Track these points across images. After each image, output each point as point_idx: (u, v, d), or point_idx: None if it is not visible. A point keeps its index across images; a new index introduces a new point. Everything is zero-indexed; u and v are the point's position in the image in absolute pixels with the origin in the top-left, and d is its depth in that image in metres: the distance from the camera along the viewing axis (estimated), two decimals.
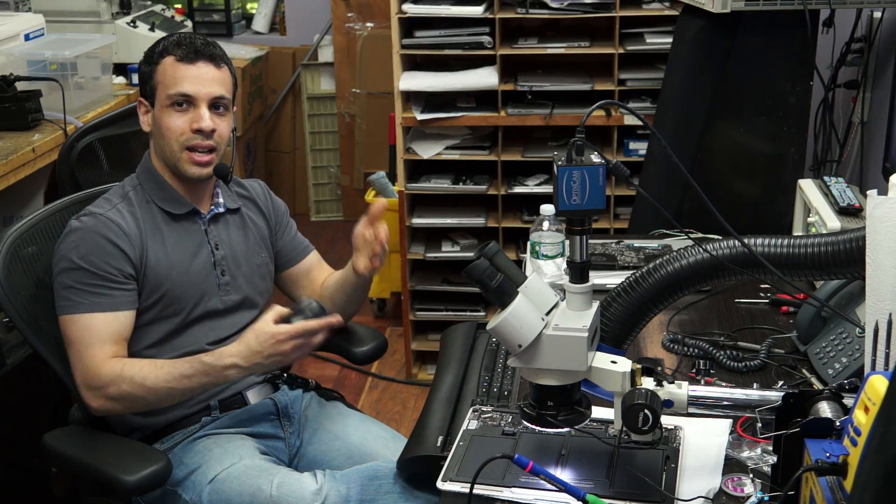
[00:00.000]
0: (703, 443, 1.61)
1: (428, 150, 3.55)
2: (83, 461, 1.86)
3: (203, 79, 1.97)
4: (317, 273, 2.22)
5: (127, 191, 2.02)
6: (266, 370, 1.93)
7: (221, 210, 2.07)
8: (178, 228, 2.01)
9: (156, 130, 2.00)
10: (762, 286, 2.16)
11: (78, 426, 2.02)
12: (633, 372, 1.48)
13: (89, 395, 1.88)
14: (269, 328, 1.82)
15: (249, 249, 2.10)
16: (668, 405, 1.50)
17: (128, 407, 1.90)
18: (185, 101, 1.96)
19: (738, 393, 1.60)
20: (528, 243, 2.26)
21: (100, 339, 1.89)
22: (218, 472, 1.88)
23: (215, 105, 1.98)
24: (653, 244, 2.37)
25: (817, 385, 1.75)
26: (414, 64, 3.63)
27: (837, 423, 1.31)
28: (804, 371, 1.82)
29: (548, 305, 1.47)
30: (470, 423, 1.71)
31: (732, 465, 1.55)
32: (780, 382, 1.80)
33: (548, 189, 3.50)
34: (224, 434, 1.97)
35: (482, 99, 3.53)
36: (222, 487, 1.87)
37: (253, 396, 2.04)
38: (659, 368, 1.53)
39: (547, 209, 2.23)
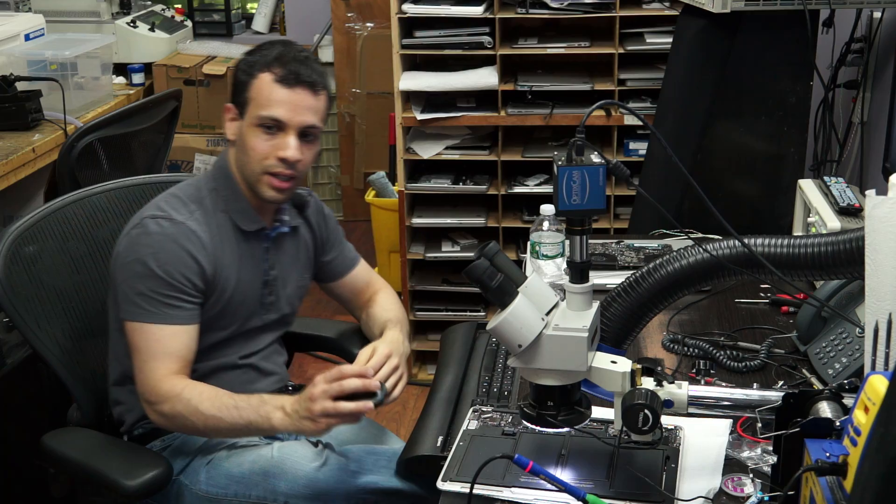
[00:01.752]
0: (703, 443, 1.61)
1: (428, 150, 3.54)
2: (83, 463, 1.85)
3: (298, 106, 1.86)
4: (361, 286, 2.18)
5: (203, 196, 1.93)
6: (304, 425, 1.73)
7: (285, 230, 2.01)
8: (244, 245, 1.95)
9: (240, 143, 1.91)
10: (762, 286, 2.16)
11: (77, 427, 2.01)
12: (633, 372, 1.48)
13: (147, 408, 1.85)
14: (316, 387, 1.71)
15: (297, 271, 2.07)
16: (668, 405, 1.50)
17: (178, 426, 1.86)
18: (275, 126, 1.86)
19: (738, 393, 1.60)
20: (528, 243, 2.26)
21: (166, 352, 1.83)
22: (216, 454, 1.90)
23: (304, 133, 1.88)
24: (653, 244, 2.37)
25: (817, 385, 1.75)
26: (414, 64, 3.63)
27: (837, 423, 1.31)
28: (804, 371, 1.82)
29: (548, 305, 1.47)
30: (470, 423, 1.71)
31: (732, 465, 1.55)
32: (780, 382, 1.80)
33: (548, 189, 3.49)
34: None
35: (482, 99, 3.53)
36: (221, 463, 1.88)
37: None
38: (659, 368, 1.53)
39: (547, 209, 2.23)
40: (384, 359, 1.89)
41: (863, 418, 1.15)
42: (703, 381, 1.80)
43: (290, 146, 1.87)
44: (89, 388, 2.02)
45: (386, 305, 2.16)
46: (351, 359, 2.19)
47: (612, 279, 1.74)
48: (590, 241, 1.47)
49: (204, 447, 1.92)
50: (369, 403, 1.71)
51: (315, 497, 1.83)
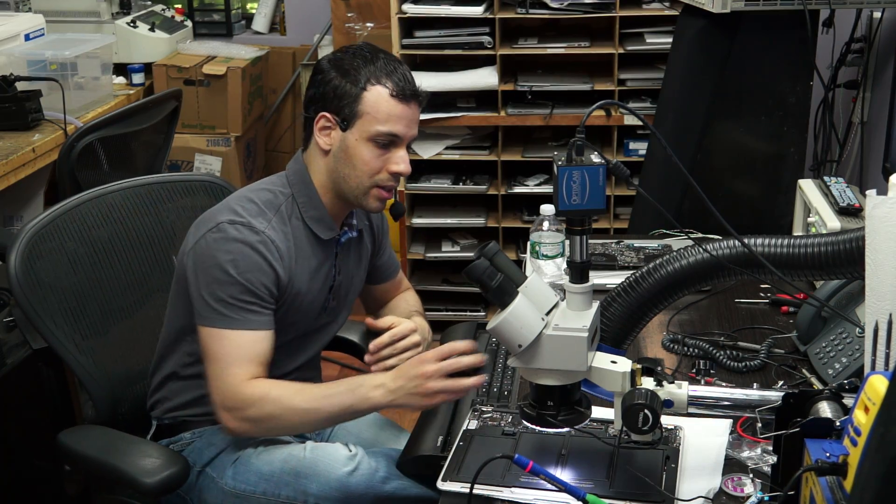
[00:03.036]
0: (703, 443, 1.61)
1: (428, 150, 3.55)
2: (101, 460, 1.84)
3: (412, 121, 1.85)
4: (395, 288, 2.19)
5: (280, 203, 1.87)
6: (412, 401, 1.73)
7: (354, 234, 1.98)
8: (318, 251, 1.92)
9: (343, 155, 1.84)
10: (762, 286, 2.16)
11: (95, 426, 2.01)
12: (633, 372, 1.48)
13: (227, 416, 1.79)
14: (429, 365, 1.71)
15: (359, 276, 2.05)
16: (668, 405, 1.50)
17: (268, 429, 1.82)
18: (391, 141, 1.84)
19: (738, 393, 1.60)
20: (528, 243, 2.26)
21: (246, 358, 1.79)
22: (245, 449, 1.89)
23: (408, 144, 1.89)
24: (653, 244, 2.37)
25: (817, 385, 1.75)
26: (414, 64, 3.64)
27: (837, 423, 1.31)
28: (804, 371, 1.82)
29: (548, 305, 1.47)
30: (470, 423, 1.71)
31: (732, 465, 1.55)
32: (780, 382, 1.80)
33: (548, 189, 3.50)
34: None
35: (482, 99, 3.53)
36: (250, 460, 1.87)
37: None
38: (659, 368, 1.53)
39: (547, 209, 2.23)
40: (408, 332, 1.91)
41: (863, 418, 1.15)
42: (703, 381, 1.80)
43: (405, 161, 1.86)
44: (103, 386, 2.01)
45: (410, 300, 2.18)
46: (361, 357, 2.20)
47: (612, 279, 1.74)
48: (590, 241, 1.47)
49: (233, 441, 1.90)
50: (483, 377, 1.73)
51: (344, 500, 1.82)
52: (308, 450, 1.87)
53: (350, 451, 1.86)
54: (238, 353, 1.80)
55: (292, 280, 1.86)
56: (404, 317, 2.04)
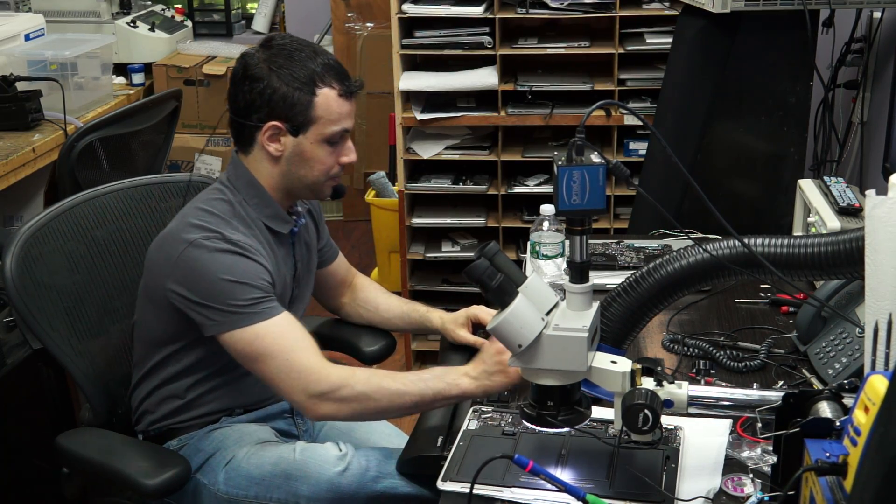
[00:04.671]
0: (703, 443, 1.61)
1: (428, 150, 3.55)
2: (101, 464, 1.84)
3: (353, 113, 1.91)
4: (344, 272, 2.21)
5: (237, 210, 1.89)
6: (495, 380, 1.75)
7: (303, 221, 2.02)
8: (278, 246, 1.95)
9: (295, 159, 1.87)
10: (762, 286, 2.16)
11: (91, 427, 2.01)
12: (633, 372, 1.48)
13: (315, 403, 1.76)
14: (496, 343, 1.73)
15: (312, 261, 2.08)
16: (668, 405, 1.50)
17: (359, 411, 1.79)
18: (341, 136, 1.89)
19: (738, 393, 1.60)
20: (528, 243, 2.26)
21: (304, 342, 1.79)
22: (235, 452, 1.89)
23: None
24: (653, 244, 2.37)
25: (817, 385, 1.75)
26: (414, 64, 3.63)
27: (837, 423, 1.31)
28: (804, 371, 1.82)
29: (548, 305, 1.47)
30: (470, 423, 1.71)
31: (732, 465, 1.55)
32: (780, 382, 1.80)
33: (548, 189, 3.50)
34: (240, 424, 1.98)
35: (482, 99, 3.53)
36: (240, 464, 1.87)
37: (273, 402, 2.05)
38: (659, 368, 1.53)
39: (547, 209, 2.23)
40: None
41: (863, 418, 1.15)
42: (703, 381, 1.80)
43: (353, 150, 1.92)
44: (100, 387, 2.02)
45: (386, 291, 2.23)
46: (360, 357, 2.20)
47: (612, 279, 1.74)
48: (590, 241, 1.47)
49: (222, 445, 1.91)
50: None
51: (335, 501, 1.82)
52: (298, 451, 1.87)
53: (340, 450, 1.87)
54: (291, 339, 1.79)
55: (274, 271, 1.89)
56: (401, 307, 2.16)
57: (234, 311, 1.79)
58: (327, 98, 1.84)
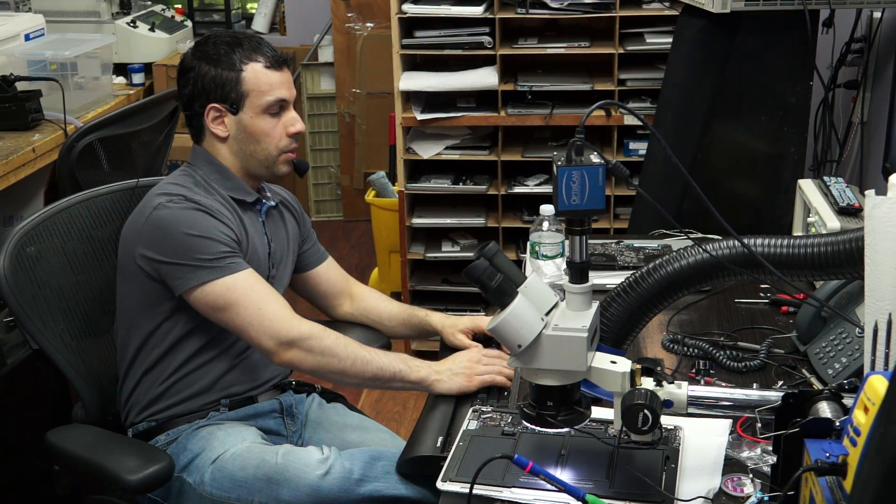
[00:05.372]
0: (703, 443, 1.61)
1: (428, 150, 3.55)
2: (86, 459, 1.85)
3: (290, 83, 2.02)
4: (336, 278, 2.24)
5: (199, 182, 1.99)
6: (455, 381, 1.87)
7: (273, 203, 2.09)
8: (246, 218, 2.02)
9: (242, 136, 1.99)
10: (762, 286, 2.16)
11: (81, 424, 2.02)
12: (633, 372, 1.48)
13: (281, 348, 1.86)
14: (475, 352, 1.94)
15: (288, 247, 2.13)
16: (668, 405, 1.50)
17: (322, 364, 1.88)
18: (280, 107, 1.99)
19: (738, 393, 1.60)
20: (528, 243, 2.26)
21: (274, 293, 1.91)
22: (220, 452, 1.89)
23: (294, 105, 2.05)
24: (653, 244, 2.37)
25: (817, 385, 1.75)
26: (414, 64, 3.64)
27: (837, 423, 1.31)
28: (804, 371, 1.82)
29: (548, 305, 1.47)
30: (470, 423, 1.71)
31: (732, 465, 1.55)
32: (780, 382, 1.80)
33: (548, 189, 3.50)
34: (228, 422, 1.98)
35: (482, 99, 3.53)
36: (225, 465, 1.88)
37: (262, 399, 2.05)
38: (659, 368, 1.53)
39: (547, 209, 2.23)
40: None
41: (862, 418, 1.15)
42: (702, 381, 1.80)
43: (298, 120, 2.02)
44: (93, 386, 2.02)
45: (386, 297, 2.28)
46: None
47: (612, 279, 1.74)
48: (590, 241, 1.47)
49: (208, 445, 1.92)
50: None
51: None
52: (280, 455, 1.87)
53: (322, 453, 1.87)
54: (263, 293, 1.90)
55: (240, 236, 1.95)
56: (401, 313, 2.21)
57: (201, 266, 1.87)
58: (254, 71, 1.97)
